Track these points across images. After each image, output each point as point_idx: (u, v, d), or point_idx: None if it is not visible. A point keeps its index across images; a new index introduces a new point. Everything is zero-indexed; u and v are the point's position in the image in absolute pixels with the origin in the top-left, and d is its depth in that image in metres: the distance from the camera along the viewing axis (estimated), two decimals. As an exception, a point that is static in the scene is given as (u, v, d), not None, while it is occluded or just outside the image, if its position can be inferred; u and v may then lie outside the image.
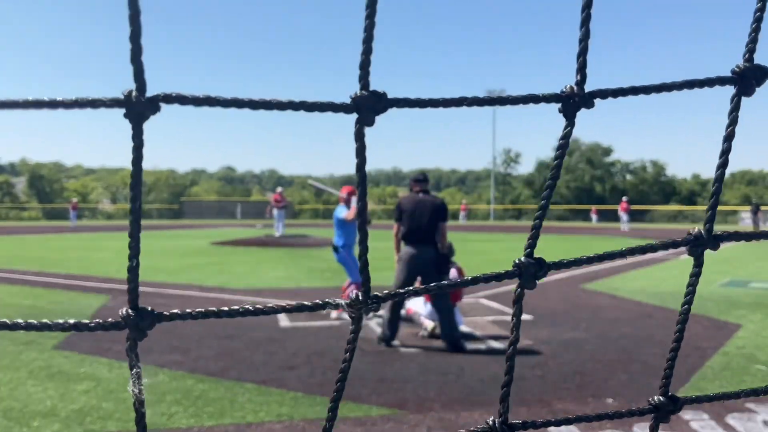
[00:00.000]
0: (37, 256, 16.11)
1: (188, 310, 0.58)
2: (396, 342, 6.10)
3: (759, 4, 0.63)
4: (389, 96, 0.57)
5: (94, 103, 0.52)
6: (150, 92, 0.52)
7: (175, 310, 0.57)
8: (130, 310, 0.54)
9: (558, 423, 0.68)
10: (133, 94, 0.51)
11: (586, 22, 0.61)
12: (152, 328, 0.55)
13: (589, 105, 0.62)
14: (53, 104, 0.52)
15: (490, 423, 0.65)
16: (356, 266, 7.40)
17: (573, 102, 0.61)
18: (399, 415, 4.07)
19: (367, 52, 0.56)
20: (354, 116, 0.57)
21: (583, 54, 0.62)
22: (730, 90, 0.65)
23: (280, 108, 0.55)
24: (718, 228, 0.66)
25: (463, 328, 6.59)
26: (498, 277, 0.62)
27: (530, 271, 0.62)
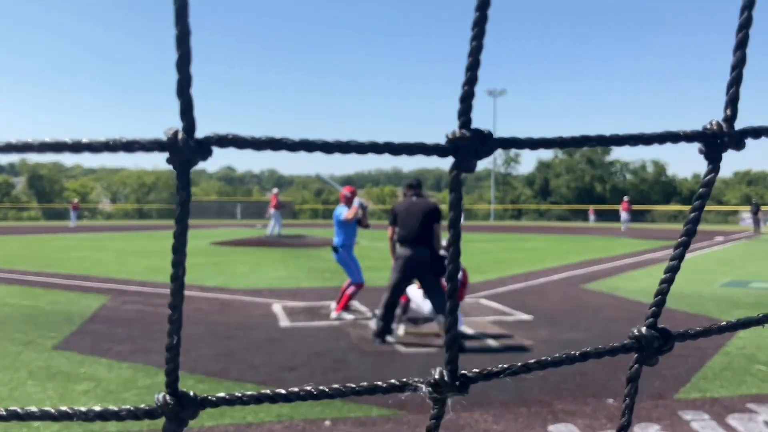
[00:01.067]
0: (36, 256, 16.10)
1: (238, 394, 0.47)
2: (393, 340, 6.09)
3: None
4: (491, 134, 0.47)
5: (131, 147, 0.42)
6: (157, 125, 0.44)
7: (222, 394, 0.47)
8: (168, 396, 0.44)
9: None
10: (180, 135, 0.41)
11: (743, 45, 0.49)
12: (195, 417, 0.45)
13: (740, 146, 0.50)
14: (78, 147, 0.44)
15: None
16: (356, 266, 7.38)
17: (720, 142, 0.50)
18: (399, 415, 4.06)
19: (470, 81, 0.45)
20: (450, 160, 0.46)
21: (735, 84, 0.50)
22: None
23: (359, 151, 0.45)
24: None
25: (463, 327, 6.60)
26: (612, 352, 0.51)
27: (654, 345, 0.51)
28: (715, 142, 0.50)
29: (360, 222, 7.49)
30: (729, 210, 47.87)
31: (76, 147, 0.44)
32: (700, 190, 0.52)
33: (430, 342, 6.18)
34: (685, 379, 4.92)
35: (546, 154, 63.70)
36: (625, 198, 34.67)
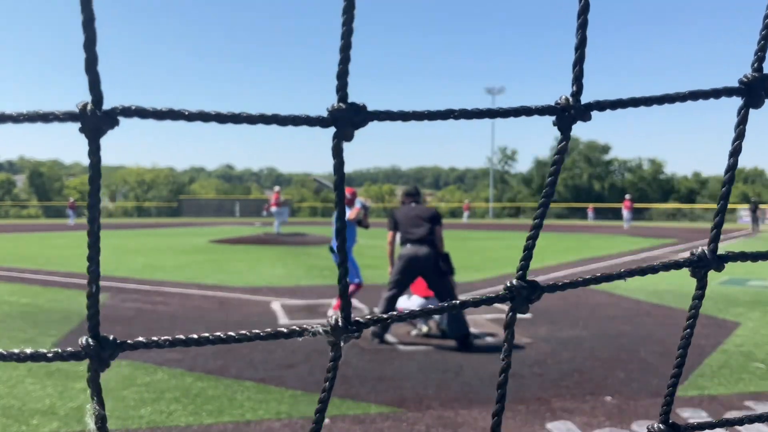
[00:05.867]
0: (35, 254, 16.09)
1: (154, 338, 0.54)
2: (393, 339, 6.10)
3: None
4: (370, 105, 0.54)
5: (46, 117, 0.48)
6: (112, 103, 0.49)
7: (140, 338, 0.54)
8: (90, 339, 0.50)
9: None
10: (88, 107, 0.47)
11: (582, 27, 0.57)
12: (114, 358, 0.52)
13: (586, 118, 0.58)
14: (1, 118, 0.48)
15: None
16: (354, 266, 7.39)
17: (568, 115, 0.57)
18: (398, 413, 4.07)
19: (344, 61, 0.52)
20: (331, 130, 0.53)
21: (579, 63, 0.57)
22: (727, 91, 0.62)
23: (249, 122, 0.51)
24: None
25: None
26: (488, 301, 0.59)
27: (523, 294, 0.58)
28: (564, 114, 0.57)
29: (360, 222, 7.50)
30: (727, 208, 47.79)
31: None
32: (555, 157, 0.58)
33: (428, 341, 6.19)
34: (684, 376, 4.93)
35: (543, 153, 63.67)
36: (627, 196, 34.72)
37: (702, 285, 0.64)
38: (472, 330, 6.61)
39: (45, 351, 0.51)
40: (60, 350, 0.51)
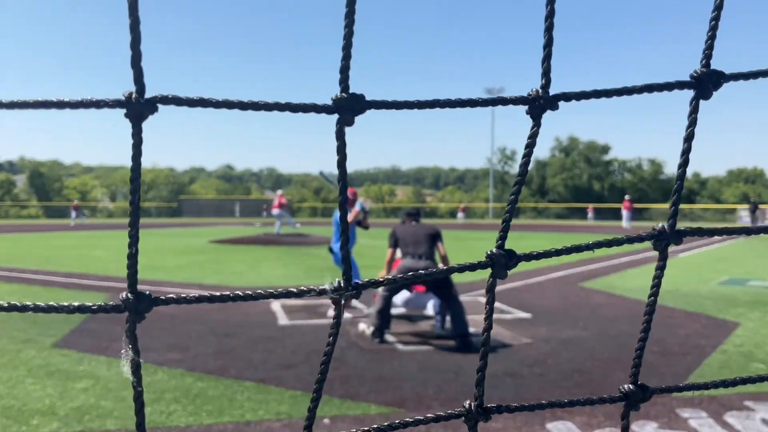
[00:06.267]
0: (35, 254, 16.09)
1: (183, 295, 0.62)
2: (393, 339, 6.10)
3: (714, 13, 0.65)
4: (371, 97, 0.61)
5: (98, 104, 0.56)
6: (148, 93, 0.56)
7: (171, 295, 0.62)
8: (129, 294, 0.58)
9: (531, 408, 0.72)
10: (133, 95, 0.55)
11: (549, 30, 0.64)
12: (149, 311, 0.59)
13: (554, 107, 0.64)
14: (60, 104, 0.56)
15: (467, 406, 0.69)
16: (354, 267, 7.39)
17: (539, 104, 0.64)
18: (398, 413, 4.07)
19: (346, 57, 0.60)
20: (335, 117, 0.60)
21: (547, 59, 0.65)
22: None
23: (266, 109, 0.59)
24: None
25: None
26: (471, 267, 0.66)
27: (502, 261, 0.65)
28: (535, 104, 0.64)
29: (360, 223, 7.52)
30: (727, 209, 47.87)
31: (49, 104, 0.56)
32: (527, 141, 0.66)
33: (428, 341, 6.19)
34: (683, 377, 4.93)
35: (543, 153, 63.63)
36: (627, 197, 34.78)
37: (663, 257, 0.70)
38: (472, 330, 6.61)
39: (90, 303, 0.60)
40: (103, 303, 0.60)
